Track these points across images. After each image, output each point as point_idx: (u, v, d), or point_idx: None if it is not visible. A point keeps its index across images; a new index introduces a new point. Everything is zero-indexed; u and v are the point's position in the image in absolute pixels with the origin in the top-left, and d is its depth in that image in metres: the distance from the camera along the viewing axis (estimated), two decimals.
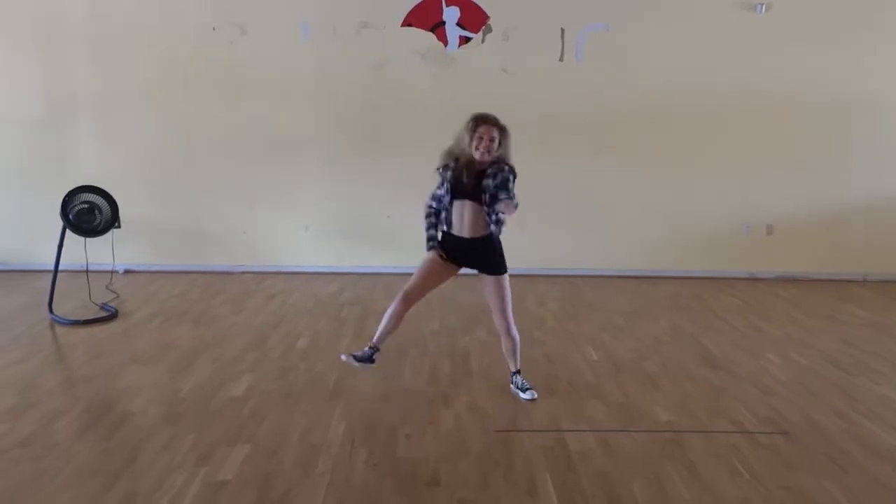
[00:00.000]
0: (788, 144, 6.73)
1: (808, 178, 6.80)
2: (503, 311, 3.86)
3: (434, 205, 3.83)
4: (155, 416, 3.63)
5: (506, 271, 3.85)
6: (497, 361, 4.48)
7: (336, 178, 6.76)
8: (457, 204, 3.75)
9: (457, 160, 3.72)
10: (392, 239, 6.73)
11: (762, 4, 6.45)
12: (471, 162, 3.69)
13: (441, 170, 3.77)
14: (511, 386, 3.97)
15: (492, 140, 3.64)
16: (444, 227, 3.84)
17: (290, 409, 3.73)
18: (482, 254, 3.81)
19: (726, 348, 4.84)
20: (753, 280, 6.90)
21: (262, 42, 6.53)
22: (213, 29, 6.48)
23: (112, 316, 5.33)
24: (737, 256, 6.93)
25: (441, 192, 3.78)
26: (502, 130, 3.70)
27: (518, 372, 3.98)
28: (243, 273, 6.85)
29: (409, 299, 3.86)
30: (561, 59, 6.58)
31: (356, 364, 3.90)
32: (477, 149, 3.64)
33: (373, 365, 3.93)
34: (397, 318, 3.88)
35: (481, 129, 3.65)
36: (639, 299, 6.14)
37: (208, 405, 3.77)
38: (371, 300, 5.94)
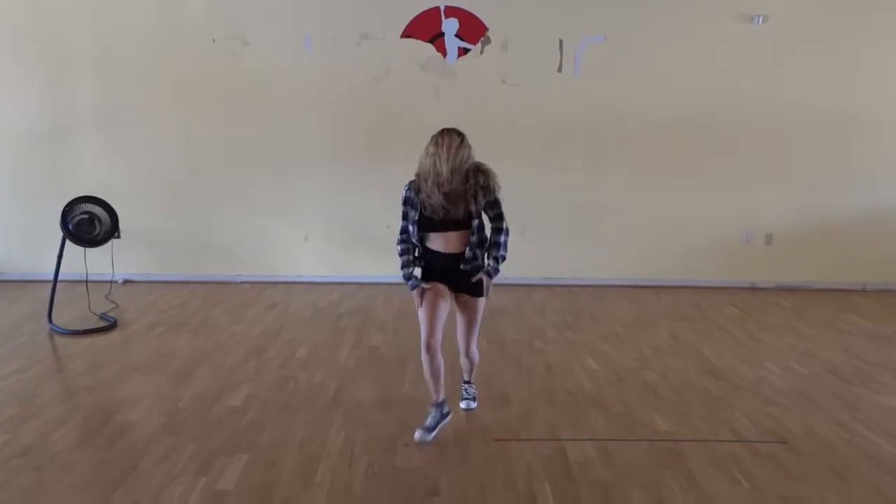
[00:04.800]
0: (787, 154, 6.75)
1: (807, 187, 6.81)
2: (471, 332, 3.71)
3: (408, 239, 3.59)
4: (155, 425, 3.63)
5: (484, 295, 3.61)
6: (497, 371, 4.49)
7: (336, 187, 6.78)
8: (437, 235, 3.52)
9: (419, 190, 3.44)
10: (392, 248, 6.58)
11: (760, 16, 6.48)
12: (444, 191, 3.37)
13: (409, 198, 3.50)
14: (462, 390, 3.95)
15: (450, 147, 3.36)
16: (420, 248, 3.60)
17: (289, 419, 3.73)
18: (469, 273, 3.54)
19: (726, 358, 4.83)
20: (754, 290, 6.90)
21: (264, 53, 6.56)
22: (213, 41, 6.52)
23: (111, 326, 5.33)
24: (737, 266, 6.94)
25: (409, 222, 3.53)
26: (462, 138, 3.42)
27: (470, 382, 3.94)
28: (243, 283, 6.86)
29: (430, 345, 3.51)
30: (559, 70, 6.62)
31: (432, 433, 3.52)
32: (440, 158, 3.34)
33: (450, 416, 3.67)
34: (436, 369, 3.55)
35: (439, 138, 3.41)
36: (639, 309, 6.14)
37: (208, 415, 3.78)
38: (371, 309, 5.94)
